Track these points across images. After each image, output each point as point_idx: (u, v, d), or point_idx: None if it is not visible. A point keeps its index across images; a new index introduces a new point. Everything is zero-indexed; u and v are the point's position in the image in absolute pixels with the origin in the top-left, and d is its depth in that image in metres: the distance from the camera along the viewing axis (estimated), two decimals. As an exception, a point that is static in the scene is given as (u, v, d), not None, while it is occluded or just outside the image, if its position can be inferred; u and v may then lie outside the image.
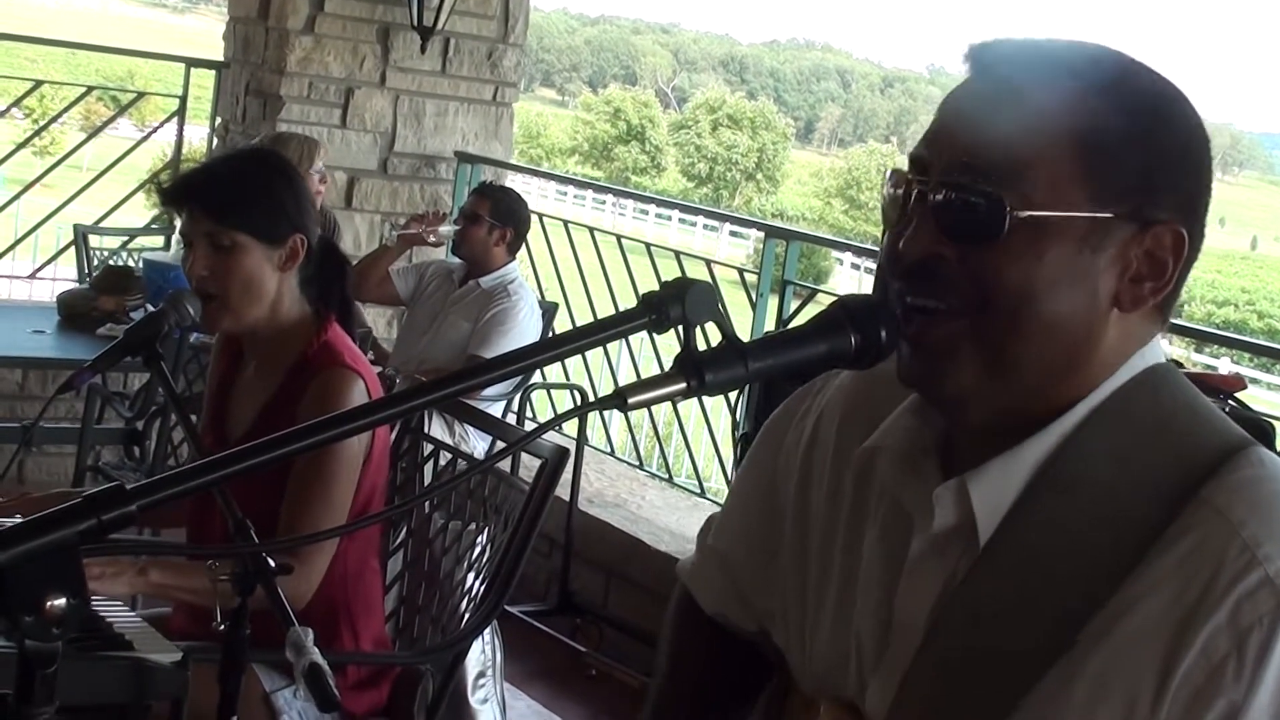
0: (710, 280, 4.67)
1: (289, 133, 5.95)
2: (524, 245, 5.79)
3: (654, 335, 1.24)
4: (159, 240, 6.75)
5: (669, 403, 1.24)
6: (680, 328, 1.22)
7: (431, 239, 5.77)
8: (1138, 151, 1.28)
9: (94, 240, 6.41)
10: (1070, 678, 1.24)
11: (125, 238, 6.65)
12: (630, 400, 1.19)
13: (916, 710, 1.33)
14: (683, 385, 1.20)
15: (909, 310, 1.30)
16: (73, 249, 6.33)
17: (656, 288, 1.25)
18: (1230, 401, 2.00)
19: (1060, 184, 1.26)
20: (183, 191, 2.81)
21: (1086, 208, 1.27)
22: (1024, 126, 1.27)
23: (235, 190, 2.76)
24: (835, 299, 1.32)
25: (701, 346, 1.22)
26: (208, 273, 2.72)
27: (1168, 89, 1.33)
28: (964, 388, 1.30)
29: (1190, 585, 1.22)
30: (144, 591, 2.71)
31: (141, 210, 8.38)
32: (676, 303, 1.21)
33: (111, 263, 6.12)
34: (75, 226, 6.44)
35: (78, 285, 5.91)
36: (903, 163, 1.37)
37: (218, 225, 2.71)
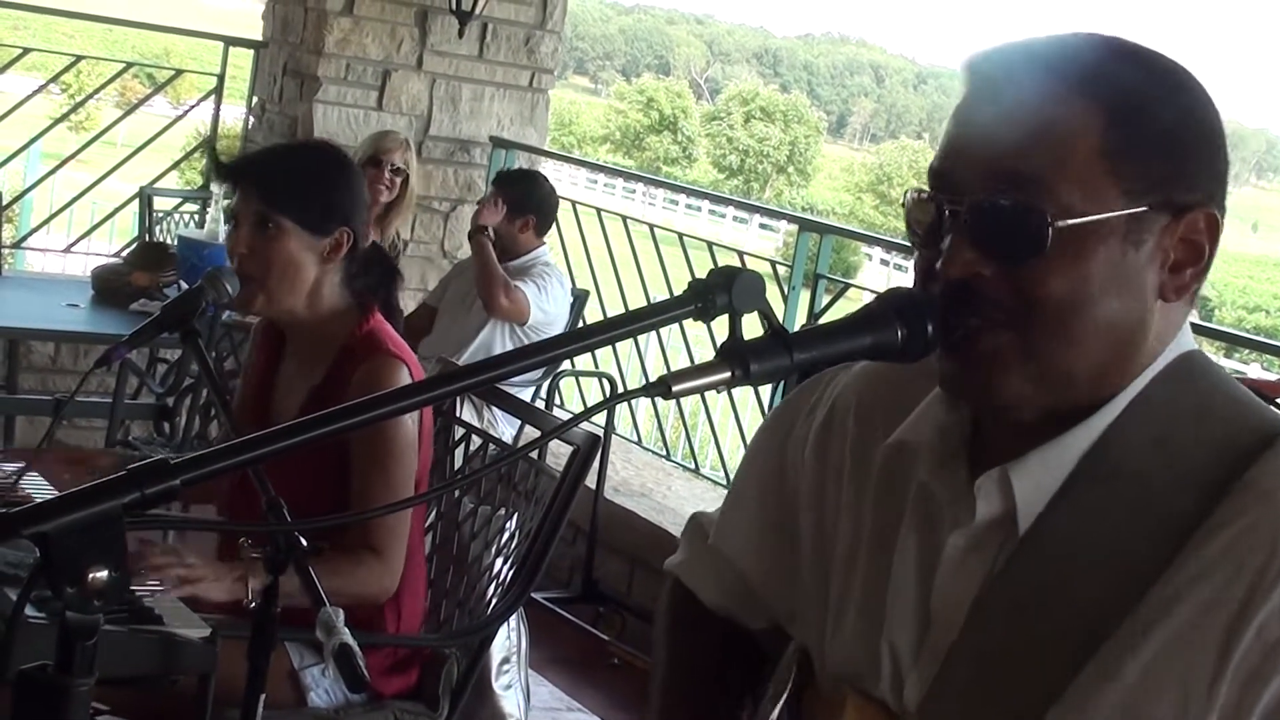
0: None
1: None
2: (557, 232, 5.75)
3: (682, 323, 1.23)
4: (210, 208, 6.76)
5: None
6: (727, 317, 1.21)
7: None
8: (1160, 139, 1.27)
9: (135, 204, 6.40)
10: (1117, 666, 1.23)
11: (179, 199, 6.65)
12: (674, 389, 1.18)
13: (954, 702, 1.32)
14: (727, 374, 1.20)
15: (950, 326, 1.28)
16: (108, 223, 6.31)
17: (691, 278, 1.24)
18: (1273, 407, 1.97)
19: (1093, 185, 1.25)
20: (240, 169, 2.84)
21: (1122, 204, 1.25)
22: (1047, 133, 1.25)
23: (289, 175, 2.79)
24: (880, 293, 1.31)
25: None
26: (248, 251, 2.73)
27: (1170, 66, 1.31)
28: (1016, 395, 1.29)
29: (1243, 570, 1.21)
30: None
31: (178, 185, 8.39)
32: (724, 291, 1.21)
33: (157, 236, 6.15)
34: (141, 188, 6.47)
35: (112, 259, 5.92)
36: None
37: (265, 207, 2.73)
